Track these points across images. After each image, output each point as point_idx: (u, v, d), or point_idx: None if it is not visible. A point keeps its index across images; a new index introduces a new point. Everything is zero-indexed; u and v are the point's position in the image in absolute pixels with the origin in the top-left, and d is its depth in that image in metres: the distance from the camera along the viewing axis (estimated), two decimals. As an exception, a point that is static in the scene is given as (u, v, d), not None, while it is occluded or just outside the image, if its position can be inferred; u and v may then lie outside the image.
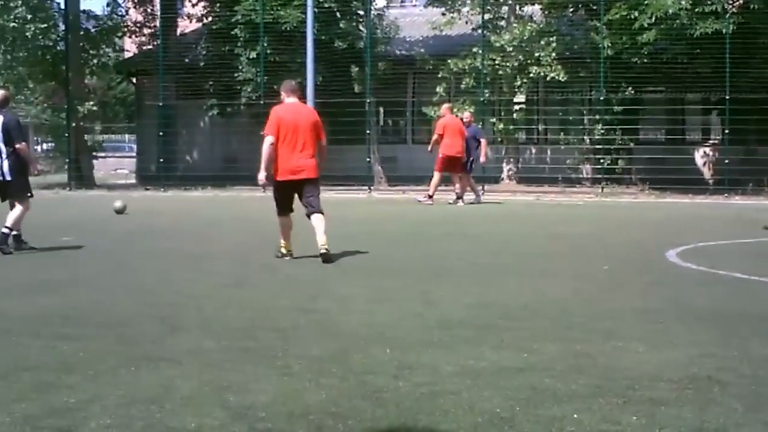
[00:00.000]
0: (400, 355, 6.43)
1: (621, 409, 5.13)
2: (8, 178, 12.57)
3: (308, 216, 11.89)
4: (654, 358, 6.35)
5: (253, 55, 30.72)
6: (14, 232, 12.63)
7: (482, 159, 23.08)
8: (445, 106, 23.50)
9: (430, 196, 22.60)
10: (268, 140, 11.79)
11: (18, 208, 12.68)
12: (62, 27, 34.14)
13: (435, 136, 22.64)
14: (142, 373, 5.98)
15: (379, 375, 5.88)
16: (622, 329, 7.33)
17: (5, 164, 12.51)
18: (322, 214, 11.83)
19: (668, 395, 5.40)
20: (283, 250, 12.03)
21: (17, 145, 12.46)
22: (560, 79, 28.54)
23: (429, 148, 23.00)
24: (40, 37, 33.24)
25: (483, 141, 23.39)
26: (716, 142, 31.78)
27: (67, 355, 6.48)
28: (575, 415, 5.01)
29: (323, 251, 11.55)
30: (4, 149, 12.46)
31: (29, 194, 12.97)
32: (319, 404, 5.24)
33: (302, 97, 12.64)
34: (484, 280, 10.25)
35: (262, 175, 11.99)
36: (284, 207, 12.02)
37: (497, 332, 7.22)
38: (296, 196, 12.02)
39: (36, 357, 6.44)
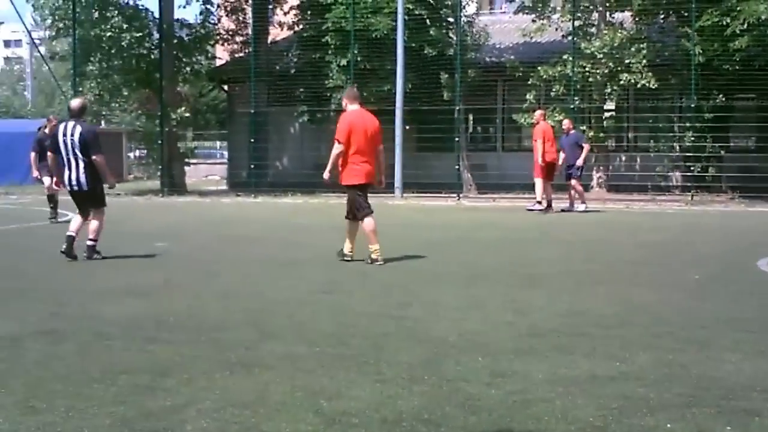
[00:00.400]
0: (492, 362, 6.41)
1: (714, 420, 5.07)
2: (84, 188, 12.68)
3: (362, 219, 12.45)
4: (747, 367, 6.27)
5: (344, 62, 30.85)
6: (89, 243, 12.76)
7: (579, 162, 22.77)
8: (540, 112, 23.13)
9: (539, 202, 22.33)
10: (339, 147, 12.33)
11: (96, 219, 12.84)
12: (156, 36, 34.65)
13: (539, 142, 22.20)
14: (236, 377, 6.04)
15: (472, 382, 5.88)
16: (714, 338, 7.25)
17: (82, 175, 12.62)
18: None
19: (762, 405, 5.33)
20: (345, 250, 12.47)
21: (94, 157, 12.55)
22: (651, 86, 28.18)
23: (539, 158, 22.18)
24: (135, 45, 33.76)
25: (586, 146, 23.04)
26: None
27: (162, 359, 6.57)
28: (668, 425, 4.97)
29: (375, 256, 12.20)
30: (81, 159, 12.57)
31: (103, 204, 13.11)
32: (412, 411, 5.25)
33: (363, 104, 12.91)
34: (575, 287, 10.17)
35: (327, 174, 12.60)
36: (367, 206, 12.49)
37: (589, 340, 7.18)
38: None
39: (131, 360, 6.55)
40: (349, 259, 12.39)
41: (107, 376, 6.05)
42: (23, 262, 12.91)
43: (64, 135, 12.59)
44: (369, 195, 12.72)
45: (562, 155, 22.69)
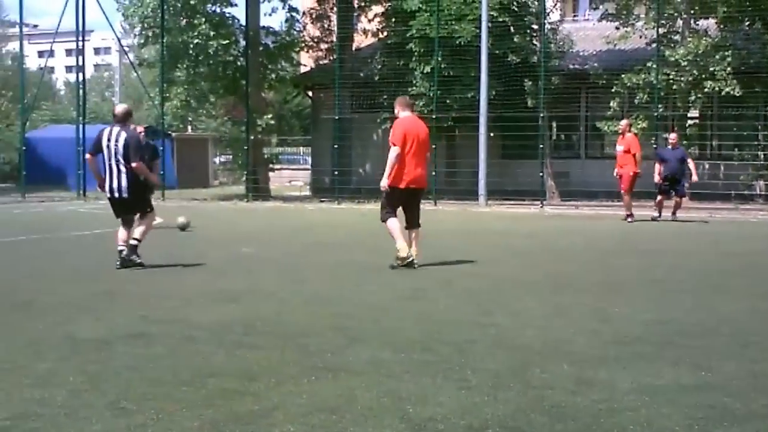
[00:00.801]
0: (577, 370, 6.40)
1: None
2: (125, 195, 12.64)
3: (383, 220, 12.89)
4: (839, 380, 6.16)
5: (427, 69, 30.90)
6: (132, 242, 12.80)
7: (694, 178, 22.33)
8: (626, 122, 22.90)
9: (631, 214, 22.10)
10: (396, 150, 12.54)
11: (143, 224, 12.87)
12: (242, 43, 35.03)
13: (638, 154, 21.88)
14: (323, 382, 6.09)
15: (557, 390, 5.87)
16: (804, 349, 7.13)
17: (123, 181, 12.58)
18: (420, 227, 12.88)
19: None
20: (403, 254, 12.51)
21: (133, 164, 12.46)
22: (735, 93, 27.81)
23: (636, 169, 21.90)
24: (222, 53, 34.16)
25: (691, 162, 22.54)
26: None
27: (250, 363, 6.65)
28: (756, 436, 4.91)
29: (415, 261, 12.47)
30: (123, 166, 12.55)
31: (149, 209, 13.12)
32: (498, 418, 5.26)
33: (414, 110, 13.13)
34: (659, 296, 10.10)
35: (385, 182, 12.78)
36: (395, 210, 12.82)
37: (674, 349, 7.14)
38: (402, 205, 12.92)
39: (220, 364, 6.64)
40: (411, 260, 12.48)
41: (196, 380, 6.14)
42: (113, 265, 13.11)
43: (108, 140, 12.57)
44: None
45: (657, 167, 22.04)
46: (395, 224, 12.67)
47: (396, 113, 12.98)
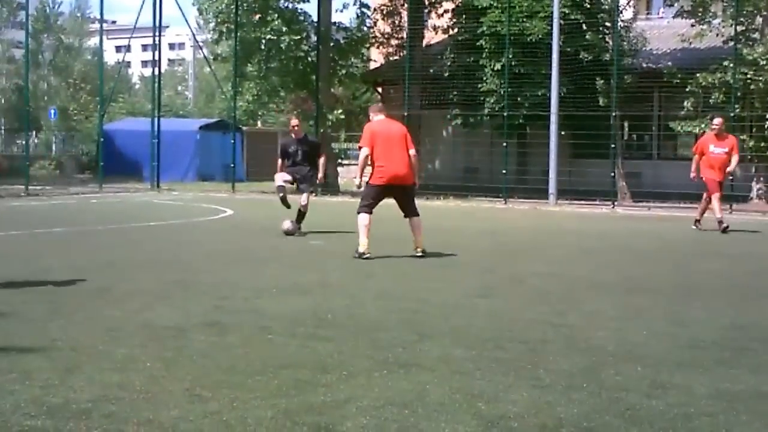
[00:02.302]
0: (652, 373, 6.32)
1: None
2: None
3: (407, 217, 13.74)
4: None
5: (498, 66, 30.79)
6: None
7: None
8: (721, 120, 19.89)
9: (721, 221, 18.91)
10: (363, 152, 13.50)
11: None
12: (314, 38, 35.15)
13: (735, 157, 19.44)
14: (395, 377, 6.09)
15: (631, 392, 5.80)
16: None
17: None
18: (419, 216, 13.64)
19: None
20: (361, 249, 13.09)
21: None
22: (816, 93, 27.32)
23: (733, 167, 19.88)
24: (293, 48, 34.29)
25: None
26: None
27: (322, 355, 6.68)
28: (838, 446, 4.81)
29: (420, 252, 13.32)
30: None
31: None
32: (571, 418, 5.21)
33: (389, 114, 14.26)
34: (738, 301, 9.94)
35: (357, 181, 13.95)
36: (371, 206, 13.52)
37: (753, 355, 7.02)
38: (394, 199, 13.72)
39: (293, 355, 6.68)
40: (367, 256, 13.02)
41: (269, 369, 6.18)
42: (186, 255, 13.28)
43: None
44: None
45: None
46: (364, 220, 13.35)
47: (370, 119, 13.86)
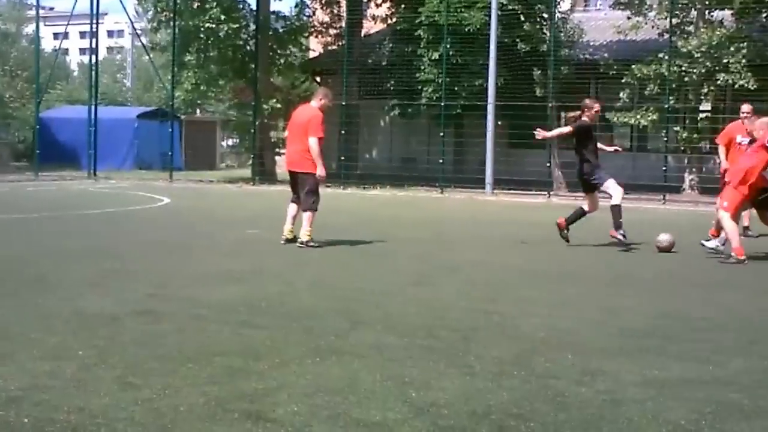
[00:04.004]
0: (582, 361, 6.39)
1: (812, 428, 4.97)
2: None
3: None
4: None
5: (436, 56, 30.87)
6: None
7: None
8: (750, 106, 16.75)
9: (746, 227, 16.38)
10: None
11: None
12: (253, 27, 35.04)
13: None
14: (327, 364, 6.12)
15: (561, 380, 5.87)
16: (813, 347, 7.11)
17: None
18: (306, 211, 13.10)
19: None
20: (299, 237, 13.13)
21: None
22: (750, 87, 27.63)
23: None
24: (232, 37, 34.20)
25: None
26: None
27: (254, 342, 6.70)
28: (763, 432, 4.89)
29: (299, 242, 13.01)
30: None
31: None
32: (501, 405, 5.26)
33: (307, 100, 14.48)
34: (668, 290, 10.09)
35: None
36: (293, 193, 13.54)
37: (680, 343, 7.11)
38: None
39: (225, 343, 6.69)
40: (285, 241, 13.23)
41: (202, 357, 6.18)
42: (122, 244, 13.22)
43: None
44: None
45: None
46: (287, 208, 13.50)
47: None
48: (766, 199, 13.11)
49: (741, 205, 13.02)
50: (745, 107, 16.42)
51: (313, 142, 13.00)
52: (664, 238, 13.70)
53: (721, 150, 16.63)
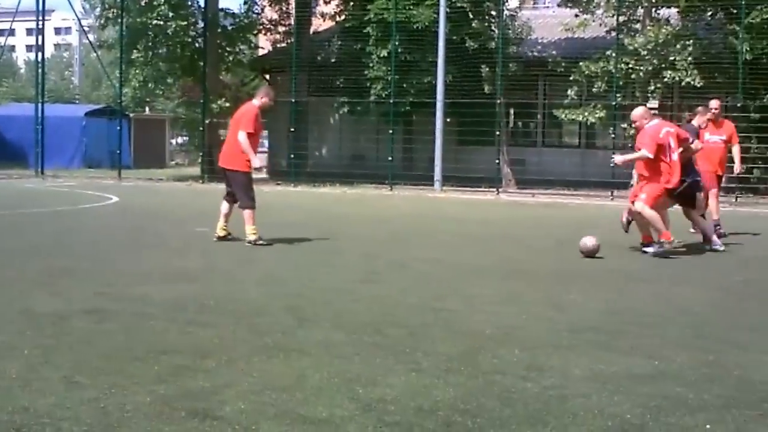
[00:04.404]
0: (528, 356, 6.44)
1: (756, 423, 5.05)
2: None
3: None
4: (791, 371, 6.22)
5: (384, 53, 30.86)
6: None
7: None
8: (718, 102, 16.95)
9: (717, 224, 15.78)
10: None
11: None
12: (201, 24, 34.88)
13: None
14: (274, 362, 6.12)
15: (508, 375, 5.90)
16: (758, 341, 7.20)
17: None
18: (244, 209, 13.05)
19: (806, 409, 5.28)
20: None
21: None
22: (696, 84, 27.88)
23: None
24: (180, 34, 34.00)
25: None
26: None
27: (202, 341, 6.69)
28: (707, 426, 4.96)
29: (246, 242, 12.95)
30: None
31: None
32: (448, 401, 5.28)
33: (250, 98, 14.34)
34: (615, 285, 10.17)
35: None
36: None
37: (627, 338, 7.18)
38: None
39: (173, 341, 6.67)
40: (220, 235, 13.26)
41: (149, 356, 6.16)
42: (70, 242, 13.13)
43: None
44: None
45: None
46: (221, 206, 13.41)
47: None
48: (684, 194, 13.32)
49: (661, 198, 13.05)
50: (713, 103, 16.47)
51: (241, 137, 12.89)
52: (588, 242, 12.57)
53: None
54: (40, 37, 35.40)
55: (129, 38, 34.11)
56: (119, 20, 33.73)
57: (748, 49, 27.15)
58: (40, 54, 36.27)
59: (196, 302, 8.27)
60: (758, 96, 27.55)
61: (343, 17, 35.30)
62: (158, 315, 7.62)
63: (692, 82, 27.73)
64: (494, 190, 28.66)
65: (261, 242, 12.81)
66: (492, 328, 7.40)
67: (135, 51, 34.34)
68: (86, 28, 44.71)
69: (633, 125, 12.44)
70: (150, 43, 34.21)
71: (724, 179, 17.11)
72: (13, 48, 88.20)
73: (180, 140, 54.03)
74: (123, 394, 5.25)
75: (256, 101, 13.30)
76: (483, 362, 6.24)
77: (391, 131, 30.72)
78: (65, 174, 33.95)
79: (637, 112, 13.38)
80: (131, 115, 42.45)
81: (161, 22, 33.18)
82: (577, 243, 12.52)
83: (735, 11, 28.39)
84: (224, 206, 13.32)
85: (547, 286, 9.88)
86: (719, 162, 16.14)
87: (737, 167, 16.65)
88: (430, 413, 5.05)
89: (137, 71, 34.48)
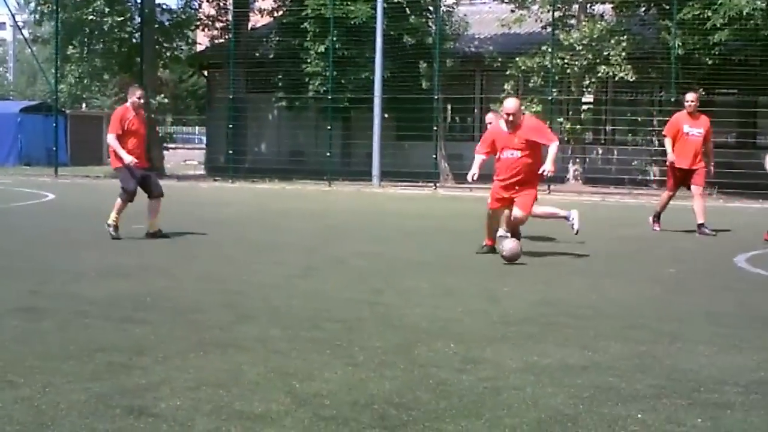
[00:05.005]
0: (464, 349, 6.49)
1: (686, 411, 5.12)
2: None
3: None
4: (720, 361, 6.32)
5: (322, 49, 30.84)
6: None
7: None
8: (696, 95, 16.10)
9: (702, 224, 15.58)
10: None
11: None
12: (138, 20, 34.62)
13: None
14: (211, 357, 6.12)
15: (443, 368, 5.95)
16: (689, 332, 7.29)
17: None
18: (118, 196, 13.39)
19: (734, 399, 5.38)
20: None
21: None
22: (629, 79, 28.20)
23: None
24: (117, 30, 33.74)
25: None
26: (790, 146, 31.33)
27: (138, 338, 6.67)
28: (639, 415, 5.03)
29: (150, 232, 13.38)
30: None
31: None
32: (383, 394, 5.32)
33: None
34: (549, 278, 10.25)
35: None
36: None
37: (561, 330, 7.26)
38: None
39: (108, 339, 6.64)
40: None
41: (84, 354, 6.13)
42: (3, 241, 12.99)
43: None
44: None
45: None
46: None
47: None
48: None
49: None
50: (690, 96, 15.91)
51: (109, 138, 13.60)
52: (507, 246, 11.52)
53: (668, 142, 15.76)
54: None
55: (64, 34, 33.77)
56: (54, 15, 33.36)
57: (680, 44, 27.46)
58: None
59: (132, 299, 8.24)
60: (690, 91, 27.78)
61: (280, 13, 35.23)
62: (94, 313, 7.58)
63: (626, 77, 28.05)
64: (432, 184, 28.75)
65: (112, 232, 13.05)
66: (428, 322, 7.45)
67: (71, 47, 34.07)
68: (21, 24, 44.17)
69: (510, 117, 11.67)
70: (86, 39, 33.93)
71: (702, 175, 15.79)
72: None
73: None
74: (57, 393, 5.22)
75: (129, 101, 13.68)
76: (419, 356, 6.29)
77: (329, 127, 30.72)
78: (0, 171, 33.54)
79: (515, 103, 12.11)
80: (68, 111, 42.03)
81: (97, 18, 32.89)
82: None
83: (667, 7, 28.71)
84: (147, 204, 13.53)
85: (483, 280, 9.95)
86: (694, 156, 15.47)
87: (712, 167, 15.87)
88: (366, 407, 5.09)
89: (73, 67, 34.23)
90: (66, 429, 4.66)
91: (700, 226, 15.40)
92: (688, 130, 15.50)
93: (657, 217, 16.01)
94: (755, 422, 4.95)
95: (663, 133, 16.59)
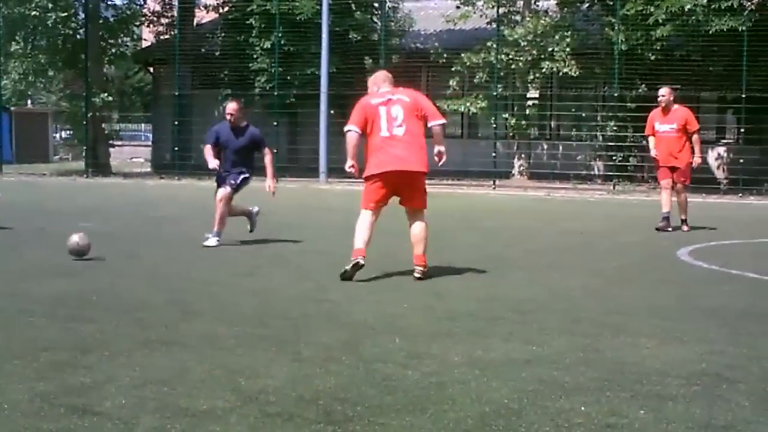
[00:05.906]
0: (408, 344, 6.52)
1: (628, 403, 5.18)
2: None
3: None
4: (662, 353, 6.40)
5: (268, 45, 30.83)
6: None
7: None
8: (669, 89, 15.65)
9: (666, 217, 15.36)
10: None
11: None
12: (82, 16, 34.36)
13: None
14: (156, 355, 6.11)
15: (388, 364, 5.98)
16: (631, 325, 7.38)
17: None
18: None
19: (676, 391, 5.45)
20: None
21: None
22: (573, 74, 28.46)
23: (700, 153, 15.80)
24: (60, 25, 33.46)
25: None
26: (731, 141, 31.72)
27: (83, 336, 6.63)
28: (582, 408, 5.08)
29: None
30: None
31: None
32: (328, 390, 5.35)
33: None
34: (494, 273, 10.32)
35: None
36: None
37: (506, 324, 7.31)
38: None
39: (53, 337, 6.60)
40: None
41: (28, 353, 6.09)
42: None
43: None
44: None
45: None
46: None
47: None
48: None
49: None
50: (661, 91, 15.52)
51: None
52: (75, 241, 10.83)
53: (651, 140, 15.61)
54: None
55: (7, 29, 33.49)
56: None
57: (623, 40, 27.76)
58: None
59: (77, 298, 8.20)
60: (634, 86, 28.17)
61: (226, 9, 35.12)
62: (39, 311, 7.52)
63: (570, 72, 28.29)
64: (379, 181, 28.74)
65: None
66: (373, 318, 7.49)
67: (14, 43, 33.74)
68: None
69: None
70: (29, 35, 33.61)
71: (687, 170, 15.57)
72: None
73: (64, 134, 53.13)
74: (1, 393, 5.19)
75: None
76: (364, 351, 6.32)
77: (275, 123, 30.67)
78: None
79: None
80: (12, 108, 41.63)
81: (40, 13, 32.60)
82: (459, 233, 12.66)
83: (611, 3, 29.05)
84: None
85: (428, 276, 9.98)
86: (669, 153, 15.24)
87: (696, 158, 15.39)
88: (311, 402, 5.11)
89: (16, 63, 33.90)
90: (9, 429, 4.64)
91: (683, 221, 15.29)
92: (659, 127, 15.39)
93: (683, 221, 15.39)
94: (697, 414, 5.01)
95: (645, 131, 16.22)
